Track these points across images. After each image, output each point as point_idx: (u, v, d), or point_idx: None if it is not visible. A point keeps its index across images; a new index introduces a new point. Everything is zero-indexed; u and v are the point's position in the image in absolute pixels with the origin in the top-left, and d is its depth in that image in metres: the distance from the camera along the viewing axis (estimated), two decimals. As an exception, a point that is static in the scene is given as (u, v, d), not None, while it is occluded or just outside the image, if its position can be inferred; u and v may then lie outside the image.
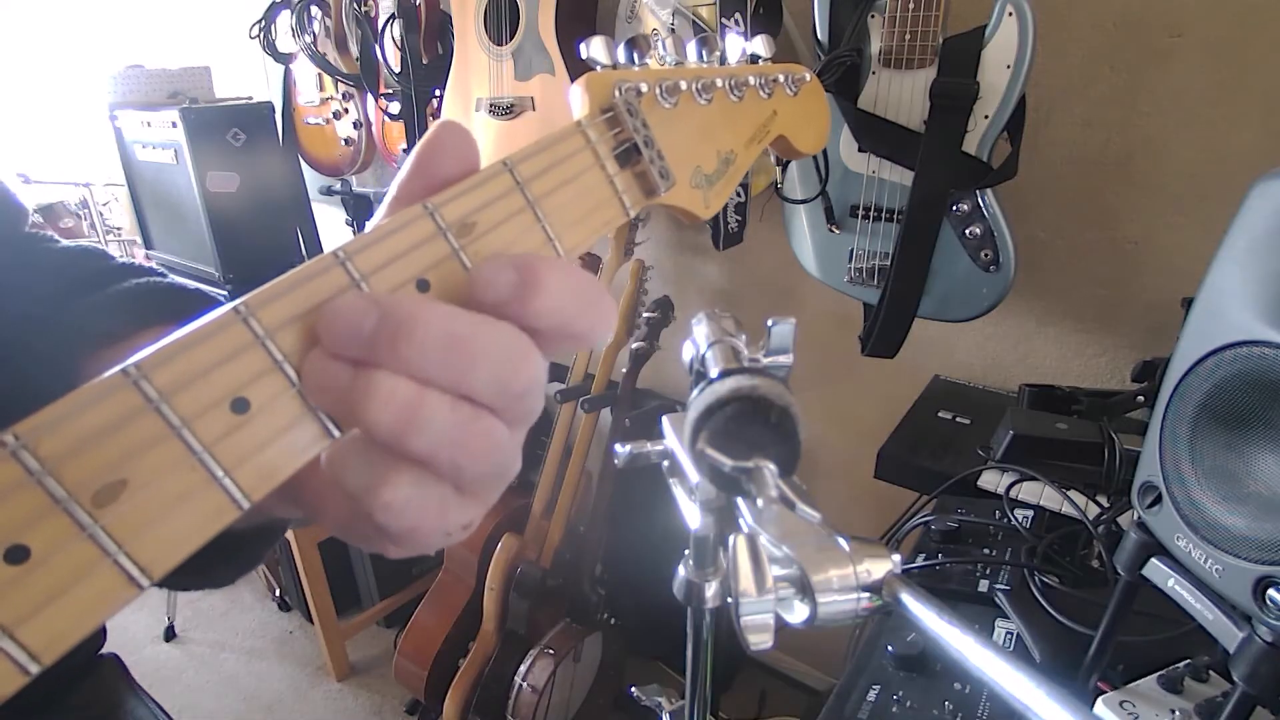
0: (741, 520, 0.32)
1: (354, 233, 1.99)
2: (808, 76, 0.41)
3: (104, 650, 0.59)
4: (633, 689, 0.75)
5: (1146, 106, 1.07)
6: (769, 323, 0.33)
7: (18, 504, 0.18)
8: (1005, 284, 1.05)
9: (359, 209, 2.01)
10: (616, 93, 0.31)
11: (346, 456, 0.23)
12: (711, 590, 0.40)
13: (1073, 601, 0.73)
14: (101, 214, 2.48)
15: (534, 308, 0.24)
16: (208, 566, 0.36)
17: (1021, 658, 0.50)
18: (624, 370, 1.49)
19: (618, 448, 0.42)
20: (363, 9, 1.74)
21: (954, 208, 1.05)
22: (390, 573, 2.06)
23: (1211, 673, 0.62)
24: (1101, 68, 1.08)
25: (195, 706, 1.92)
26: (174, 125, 1.83)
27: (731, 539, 0.29)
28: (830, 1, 1.06)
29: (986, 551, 0.84)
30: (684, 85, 0.33)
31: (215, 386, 0.21)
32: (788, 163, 1.18)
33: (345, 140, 1.94)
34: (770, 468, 0.29)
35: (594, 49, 0.32)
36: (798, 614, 0.28)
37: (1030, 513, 0.88)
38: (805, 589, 0.28)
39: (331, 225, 2.23)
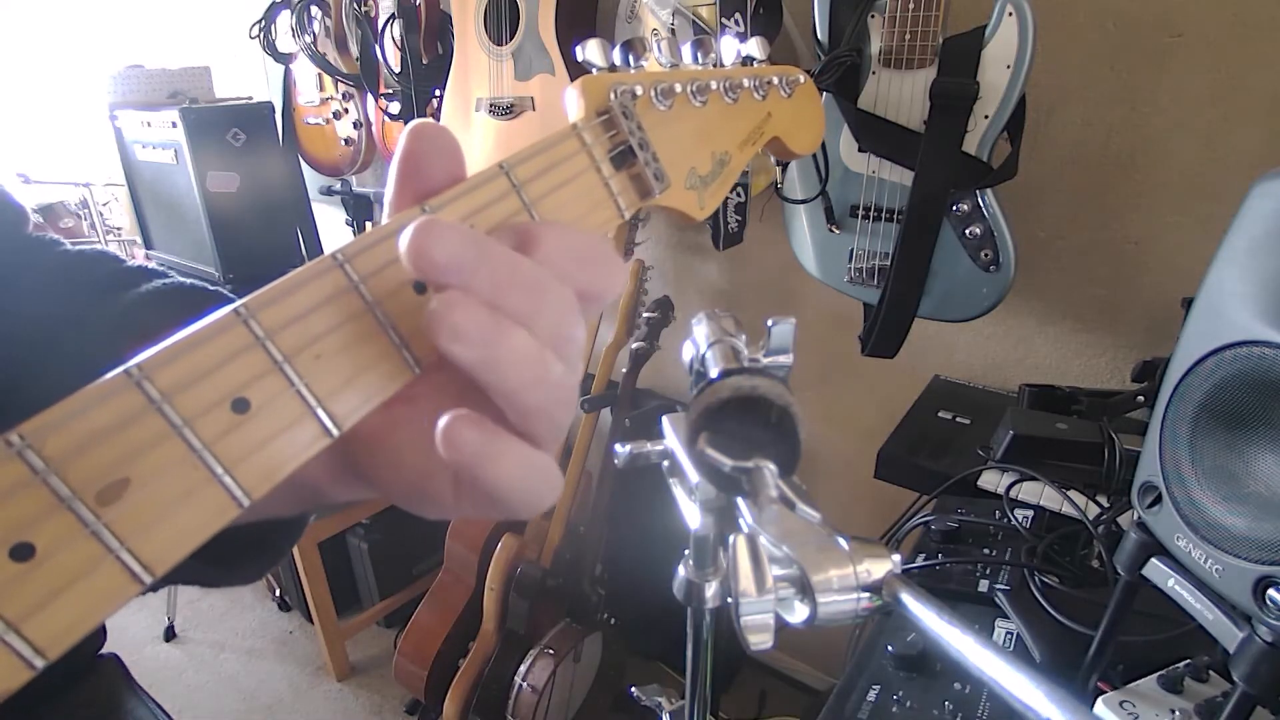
0: (741, 520, 0.32)
1: (354, 233, 1.99)
2: (802, 78, 0.42)
3: (104, 650, 0.59)
4: (633, 689, 0.75)
5: (1146, 106, 1.07)
6: (769, 323, 0.33)
7: (23, 502, 0.18)
8: (1005, 284, 1.05)
9: (359, 209, 2.01)
10: (612, 95, 0.31)
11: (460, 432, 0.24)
12: (711, 590, 0.40)
13: (1073, 601, 0.73)
14: (101, 214, 2.48)
15: None
16: (234, 561, 0.36)
17: (1021, 658, 0.50)
18: (624, 370, 1.49)
19: (618, 448, 0.42)
20: (363, 9, 1.74)
21: (954, 208, 1.05)
22: (390, 573, 2.06)
23: (1211, 673, 0.62)
24: (1101, 68, 1.08)
25: (195, 706, 1.92)
26: (174, 125, 1.83)
27: (731, 539, 0.29)
28: (830, 1, 1.06)
29: (986, 551, 0.84)
30: (679, 88, 0.33)
31: (216, 387, 0.21)
32: (788, 163, 1.18)
33: (345, 140, 1.94)
34: (770, 468, 0.29)
35: (590, 52, 0.32)
36: (798, 614, 0.28)
37: (1030, 513, 0.88)
38: (805, 589, 0.28)
39: (331, 225, 2.24)
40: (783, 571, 0.29)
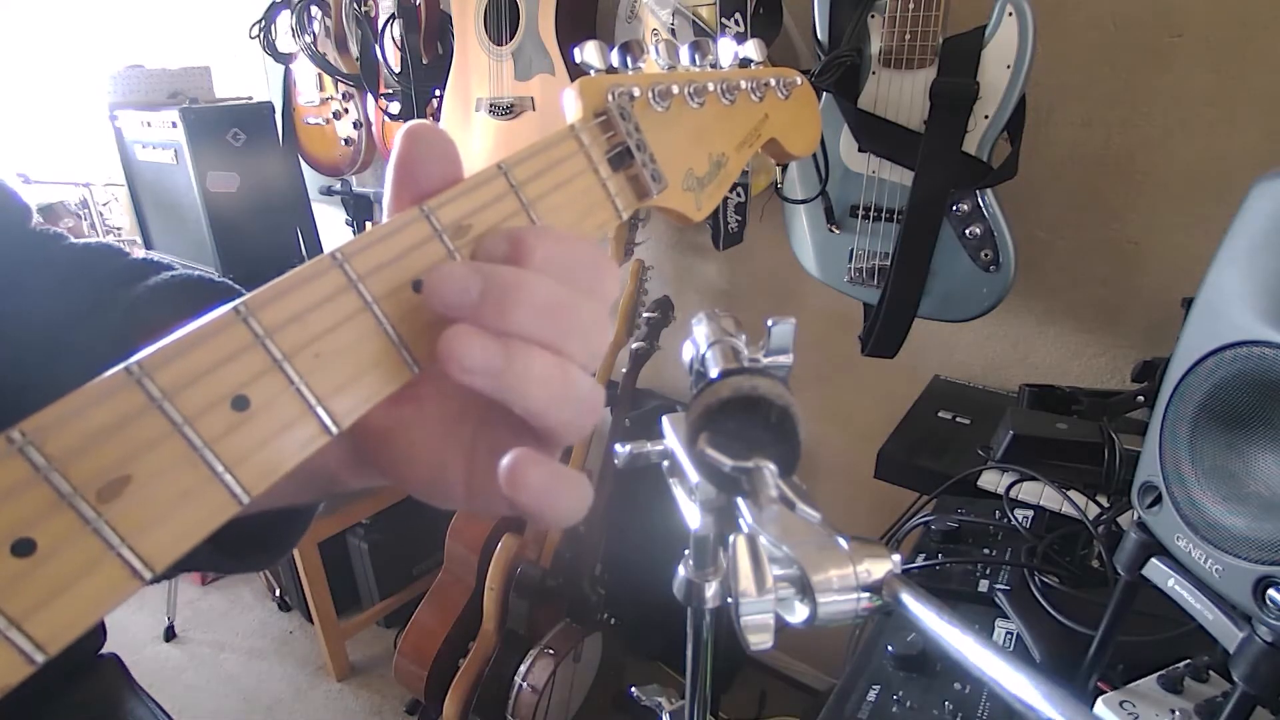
0: (741, 520, 0.32)
1: (354, 232, 1.99)
2: (799, 80, 0.42)
3: (104, 650, 0.59)
4: (633, 689, 0.75)
5: (1146, 106, 1.07)
6: (769, 323, 0.33)
7: (25, 499, 0.18)
8: (1005, 284, 1.05)
9: (359, 209, 2.01)
10: (610, 97, 0.31)
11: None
12: (711, 590, 0.40)
13: (1073, 601, 0.73)
14: (101, 214, 2.48)
15: None
16: (242, 551, 0.37)
17: (1021, 658, 0.50)
18: (624, 370, 1.49)
19: (618, 448, 0.42)
20: (363, 9, 1.74)
21: (954, 208, 1.05)
22: (390, 573, 2.06)
23: (1211, 673, 0.62)
24: (1101, 68, 1.08)
25: (195, 706, 1.92)
26: (174, 125, 1.83)
27: (731, 539, 0.29)
28: (830, 1, 1.06)
29: (986, 551, 0.84)
30: (676, 89, 0.33)
31: (216, 385, 0.21)
32: (787, 163, 1.18)
33: (345, 140, 1.94)
34: (770, 468, 0.29)
35: (588, 53, 0.32)
36: (798, 614, 0.28)
37: (1030, 513, 0.88)
38: (805, 589, 0.28)
39: (331, 225, 2.24)
40: (783, 571, 0.29)
